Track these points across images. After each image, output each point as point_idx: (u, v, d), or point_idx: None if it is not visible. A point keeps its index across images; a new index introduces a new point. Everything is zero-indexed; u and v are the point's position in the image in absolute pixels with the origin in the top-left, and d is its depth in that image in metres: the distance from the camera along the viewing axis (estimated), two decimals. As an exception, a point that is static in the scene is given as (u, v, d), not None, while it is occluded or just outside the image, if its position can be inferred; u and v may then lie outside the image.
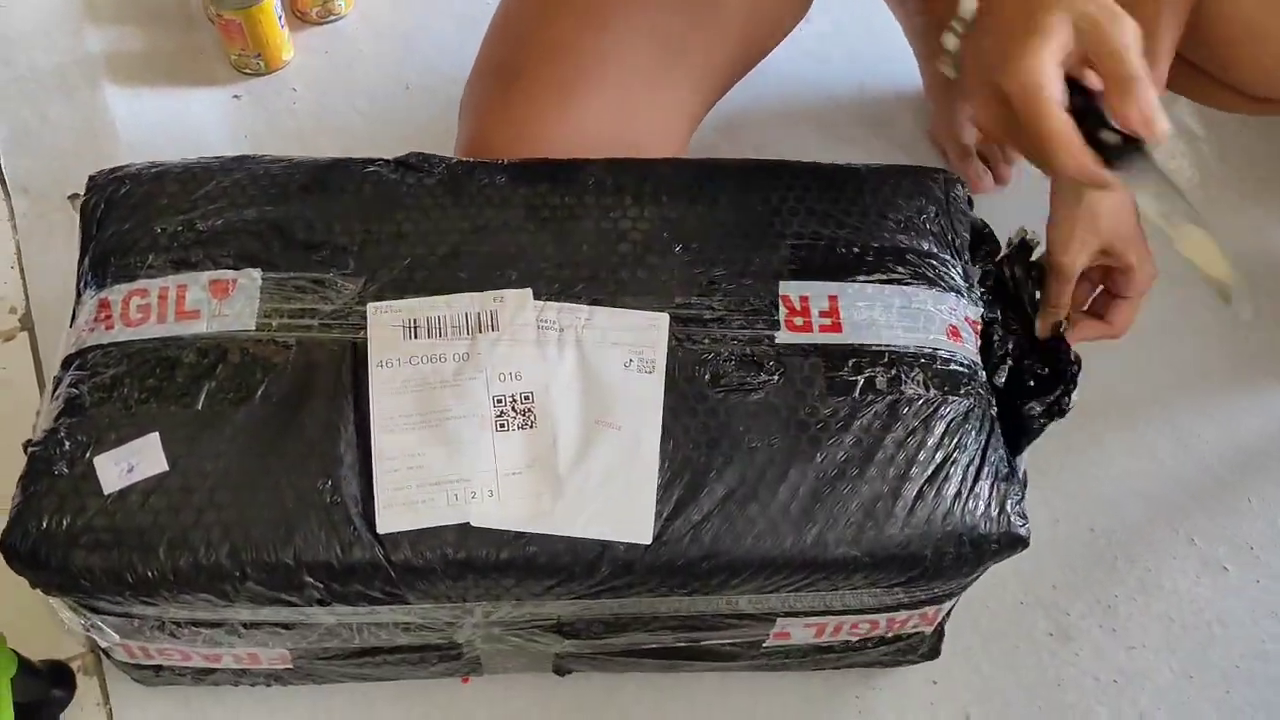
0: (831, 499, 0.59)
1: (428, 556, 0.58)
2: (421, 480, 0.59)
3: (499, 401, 0.61)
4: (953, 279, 0.68)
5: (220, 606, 0.60)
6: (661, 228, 0.68)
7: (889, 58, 1.12)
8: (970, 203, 0.73)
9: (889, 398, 0.62)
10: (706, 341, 0.63)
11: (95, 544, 0.57)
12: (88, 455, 0.59)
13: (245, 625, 0.63)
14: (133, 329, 0.63)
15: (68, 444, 0.59)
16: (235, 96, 1.10)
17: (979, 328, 0.68)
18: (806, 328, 0.65)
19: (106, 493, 0.58)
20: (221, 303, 0.64)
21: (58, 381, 0.63)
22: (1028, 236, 0.72)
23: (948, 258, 0.69)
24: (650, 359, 0.63)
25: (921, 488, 0.60)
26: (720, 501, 0.59)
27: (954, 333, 0.66)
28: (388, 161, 0.70)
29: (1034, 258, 0.71)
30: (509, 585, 0.59)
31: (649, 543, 0.58)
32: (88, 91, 1.07)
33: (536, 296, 0.65)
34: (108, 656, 0.69)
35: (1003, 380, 0.67)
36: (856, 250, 0.67)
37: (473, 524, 0.58)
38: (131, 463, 0.59)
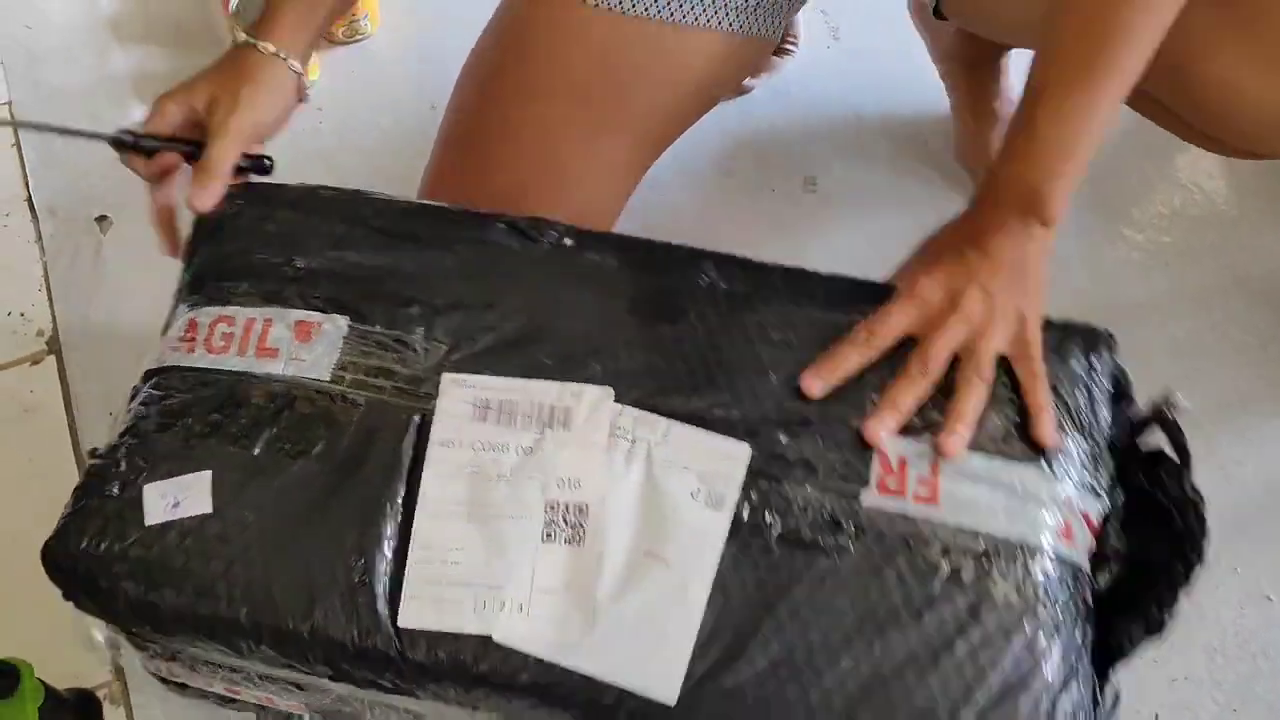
0: (882, 701, 0.53)
1: (443, 661, 0.55)
2: (454, 579, 0.56)
3: (552, 509, 0.57)
4: (1080, 465, 0.60)
5: (234, 658, 0.58)
6: (765, 347, 0.63)
7: (916, 79, 1.09)
8: (1114, 359, 0.65)
9: (973, 597, 0.55)
10: (787, 485, 0.58)
11: (127, 572, 0.57)
12: (139, 480, 0.59)
13: (261, 676, 0.62)
14: (212, 356, 0.63)
15: (124, 465, 0.59)
16: None
17: (1098, 526, 0.60)
18: (899, 493, 0.58)
19: (148, 524, 0.57)
20: (302, 346, 0.63)
21: (135, 392, 0.63)
22: (1166, 407, 0.63)
23: (1081, 439, 0.61)
24: (720, 493, 0.58)
25: (987, 710, 0.53)
26: (759, 676, 0.54)
27: (1066, 531, 0.58)
28: (504, 222, 0.68)
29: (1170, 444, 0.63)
30: (521, 708, 0.56)
31: (672, 705, 0.53)
32: (115, 112, 1.07)
33: (617, 398, 0.61)
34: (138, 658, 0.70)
35: (1105, 582, 0.59)
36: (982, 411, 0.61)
37: (495, 638, 0.55)
38: (179, 498, 0.58)
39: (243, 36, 0.71)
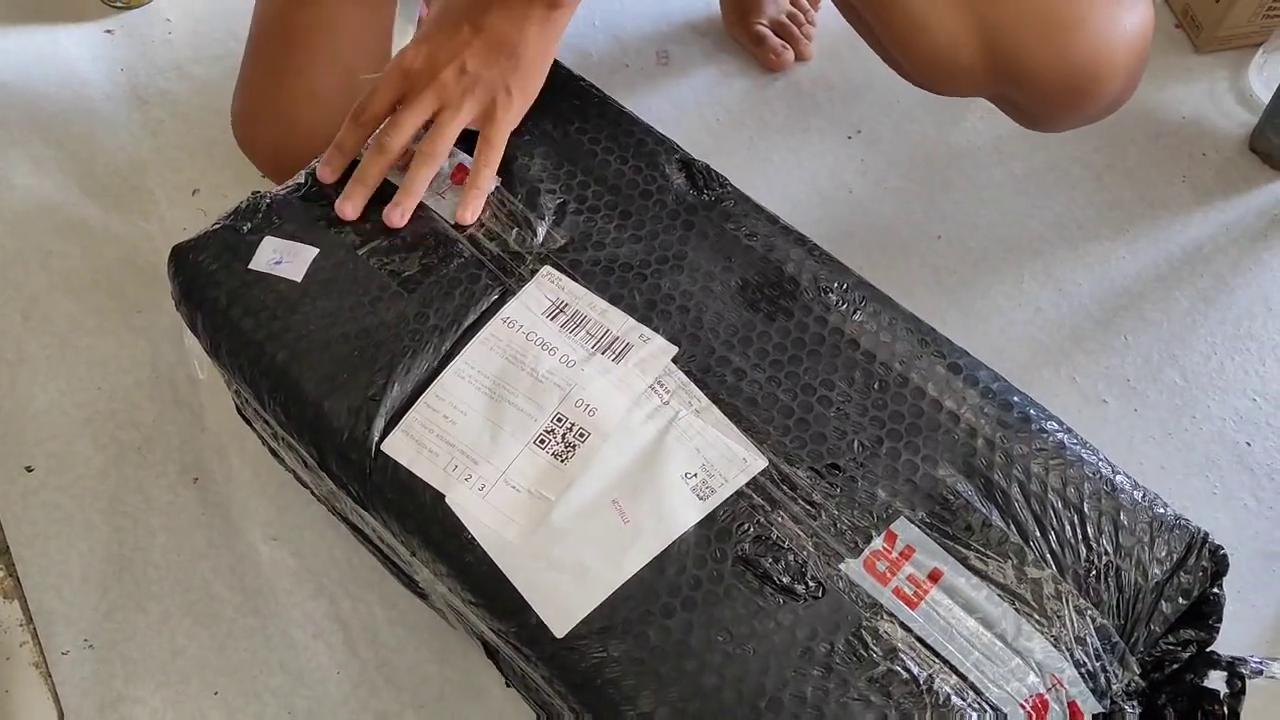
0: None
1: (399, 495, 0.58)
2: (444, 434, 0.58)
3: (558, 421, 0.58)
4: (1095, 654, 0.53)
5: (261, 408, 0.64)
6: (844, 379, 0.60)
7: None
8: (1219, 575, 0.56)
9: (888, 711, 0.51)
10: (779, 514, 0.56)
11: (214, 297, 0.64)
12: (268, 230, 0.66)
13: (282, 438, 0.68)
14: (381, 157, 0.68)
15: (265, 212, 0.66)
16: (107, 31, 1.07)
17: (1083, 724, 0.53)
18: (883, 579, 0.54)
19: (250, 266, 0.64)
20: (452, 186, 0.67)
21: (316, 162, 0.70)
22: (1250, 666, 0.55)
23: (1111, 629, 0.54)
24: (712, 488, 0.57)
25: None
26: (643, 659, 0.52)
27: (1037, 707, 0.52)
28: (677, 155, 0.69)
29: (1227, 692, 0.54)
30: (442, 572, 0.58)
31: (559, 637, 0.54)
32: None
33: (676, 359, 0.61)
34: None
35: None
36: (1014, 546, 0.55)
37: (447, 499, 0.57)
38: (284, 258, 0.65)
39: None
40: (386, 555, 0.70)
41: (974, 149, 1.02)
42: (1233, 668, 0.55)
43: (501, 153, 0.66)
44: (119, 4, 1.09)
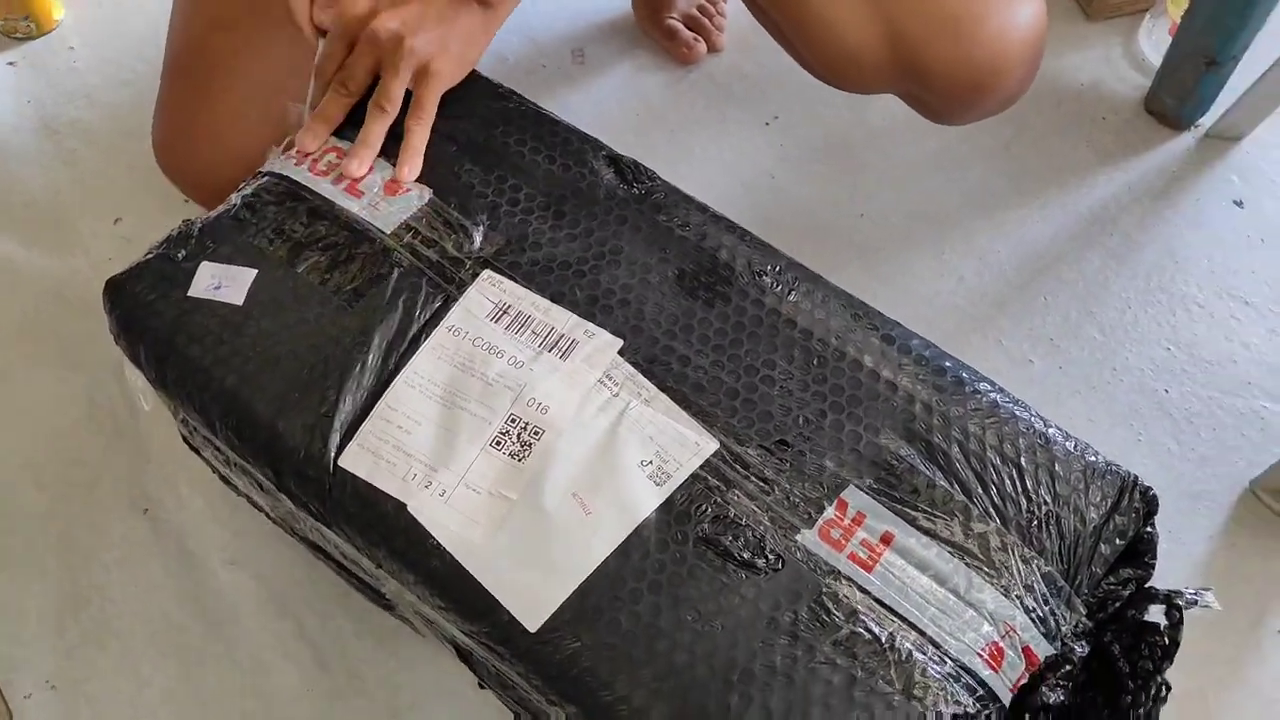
0: (719, 717, 0.52)
1: (360, 509, 0.59)
2: (400, 444, 0.59)
3: (511, 421, 0.60)
4: (1042, 599, 0.56)
5: (211, 434, 0.64)
6: (783, 361, 0.62)
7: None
8: (1149, 515, 0.60)
9: (856, 670, 0.53)
10: (734, 493, 0.58)
11: (154, 327, 0.64)
12: (203, 256, 0.65)
13: (234, 463, 0.68)
14: (313, 176, 0.68)
15: (198, 239, 0.66)
16: (9, 64, 1.07)
17: (1037, 663, 0.56)
18: (838, 544, 0.57)
19: (189, 293, 0.64)
20: (385, 198, 0.68)
21: (245, 184, 0.70)
22: (1184, 595, 0.58)
23: (1057, 575, 0.57)
24: (667, 473, 0.58)
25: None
26: (618, 642, 0.54)
27: (994, 654, 0.55)
28: (604, 152, 0.70)
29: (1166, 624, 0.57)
30: (409, 580, 0.59)
31: (532, 632, 0.55)
32: None
33: (622, 352, 0.62)
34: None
35: (1022, 733, 0.55)
36: (959, 504, 0.58)
37: (409, 507, 0.58)
38: (223, 282, 0.65)
39: None
40: (350, 571, 0.71)
41: (887, 129, 1.06)
42: (1170, 600, 0.58)
43: (433, 115, 0.69)
44: (19, 35, 1.07)
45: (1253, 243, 0.99)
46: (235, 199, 0.68)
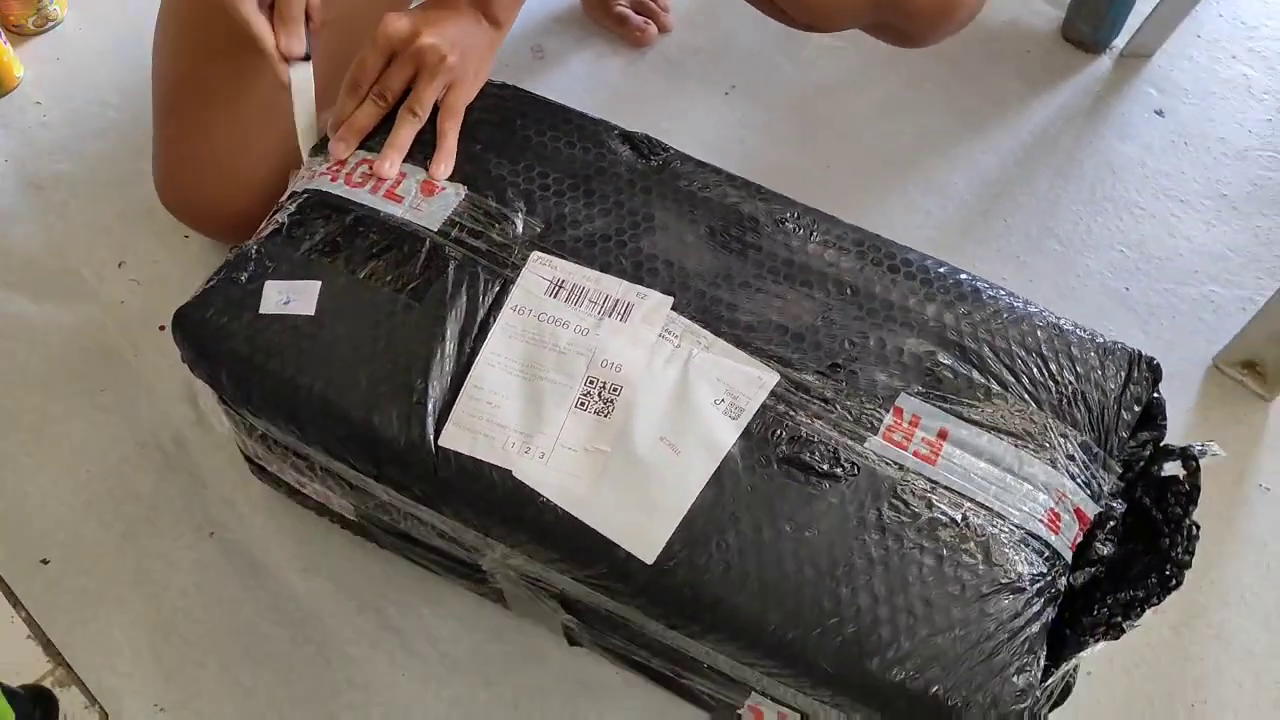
0: (831, 609, 0.58)
1: (468, 482, 0.63)
2: (494, 418, 0.64)
3: (591, 383, 0.65)
4: (1084, 466, 0.64)
5: (303, 443, 0.68)
6: (821, 292, 0.68)
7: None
8: (1156, 382, 0.68)
9: (942, 550, 0.60)
10: (801, 415, 0.64)
11: (232, 348, 0.67)
12: (265, 276, 0.69)
13: (322, 468, 0.72)
14: (349, 188, 0.72)
15: (256, 261, 0.70)
16: None
17: (1088, 522, 0.64)
18: (902, 445, 0.63)
19: (261, 311, 0.68)
20: (424, 199, 0.72)
21: (280, 207, 0.73)
22: (1195, 450, 0.66)
23: (1093, 444, 0.65)
24: (740, 408, 0.64)
25: (923, 644, 0.58)
26: (730, 560, 0.60)
27: (1053, 519, 0.62)
28: (616, 132, 0.76)
29: (1184, 474, 0.65)
30: (522, 540, 0.64)
31: (650, 563, 0.60)
32: None
33: (675, 307, 0.68)
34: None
35: (1081, 582, 0.63)
36: (997, 396, 0.65)
37: (514, 473, 0.63)
38: (291, 297, 0.68)
39: None
40: (441, 553, 0.75)
41: (835, 84, 1.13)
42: (1185, 453, 0.66)
43: (461, 118, 0.75)
44: None
45: (1178, 146, 1.10)
46: (282, 219, 0.72)
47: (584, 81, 1.12)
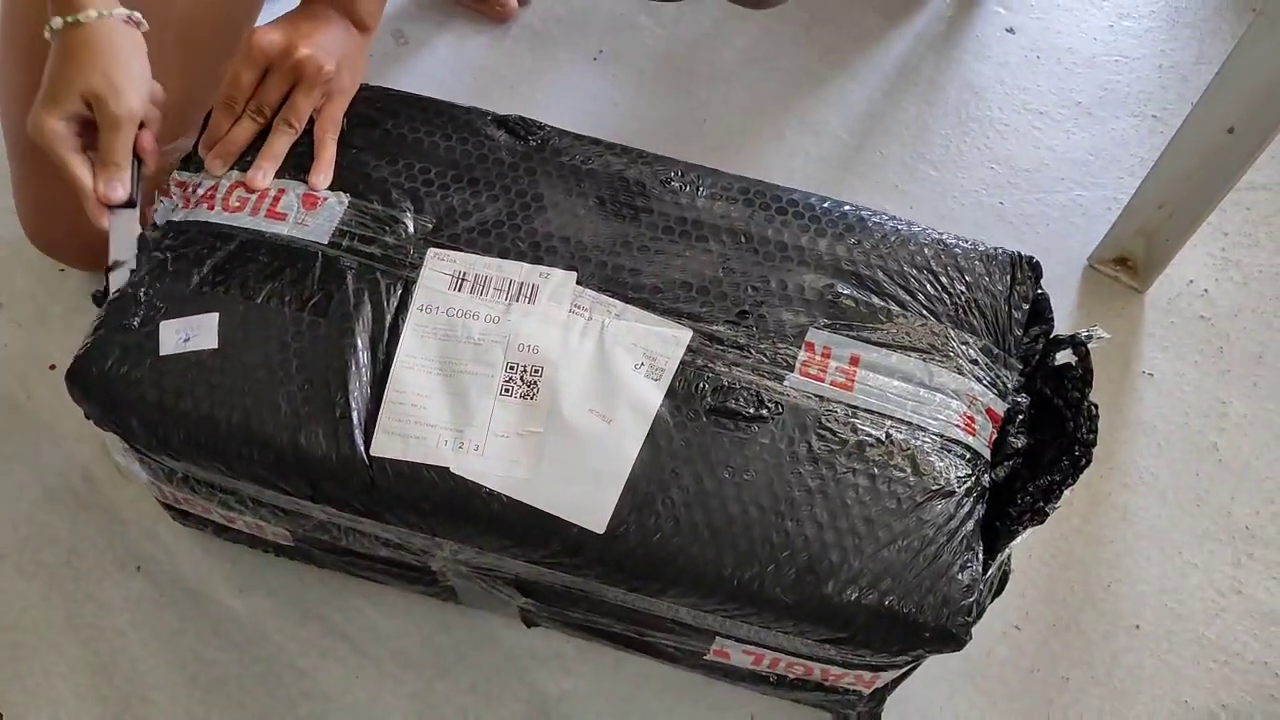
0: (781, 544, 0.61)
1: (407, 487, 0.63)
2: (421, 419, 0.64)
3: (511, 368, 0.65)
4: (987, 368, 0.68)
5: (230, 478, 0.67)
6: (717, 244, 0.70)
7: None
8: (1038, 279, 0.72)
9: (873, 469, 0.63)
10: (720, 365, 0.66)
11: (142, 394, 0.65)
12: (157, 317, 0.67)
13: (252, 500, 0.70)
14: (228, 214, 0.71)
15: (143, 303, 0.68)
16: None
17: (999, 420, 0.68)
18: (819, 378, 0.66)
19: (162, 353, 0.66)
20: (308, 213, 0.71)
21: (152, 243, 0.71)
22: (1083, 334, 0.70)
23: (992, 345, 0.68)
24: (660, 368, 0.66)
25: (871, 560, 0.61)
26: (677, 516, 0.62)
27: (968, 422, 0.66)
28: (490, 117, 0.76)
29: (1076, 360, 0.70)
30: (470, 534, 0.64)
31: (601, 533, 0.62)
32: None
33: (579, 281, 0.69)
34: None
35: (1002, 476, 0.67)
36: (898, 316, 0.68)
37: (452, 470, 0.63)
38: (190, 334, 0.67)
39: (59, 23, 0.66)
40: (389, 562, 0.75)
41: (700, 38, 1.15)
42: (1074, 341, 0.70)
43: (340, 127, 0.74)
44: None
45: (1031, 60, 1.15)
46: (159, 255, 0.70)
47: (450, 64, 1.11)
